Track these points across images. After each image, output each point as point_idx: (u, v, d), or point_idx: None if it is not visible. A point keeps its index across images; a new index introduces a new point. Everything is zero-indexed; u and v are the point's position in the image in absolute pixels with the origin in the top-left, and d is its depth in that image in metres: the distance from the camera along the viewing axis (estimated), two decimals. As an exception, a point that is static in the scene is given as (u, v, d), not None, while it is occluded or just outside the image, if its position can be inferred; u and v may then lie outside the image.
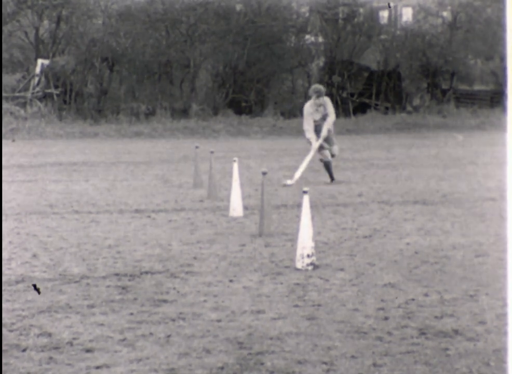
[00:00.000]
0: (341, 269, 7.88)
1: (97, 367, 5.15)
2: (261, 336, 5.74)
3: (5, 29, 32.62)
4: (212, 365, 5.17)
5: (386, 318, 6.18)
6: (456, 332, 5.81)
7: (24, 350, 5.49)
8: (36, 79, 32.32)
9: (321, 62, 36.81)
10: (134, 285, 7.31)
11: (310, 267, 7.85)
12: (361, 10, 36.23)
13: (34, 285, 7.58)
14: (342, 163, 19.17)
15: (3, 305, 6.58)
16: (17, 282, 7.45)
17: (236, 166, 11.46)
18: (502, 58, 33.59)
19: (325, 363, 5.18)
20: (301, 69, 35.98)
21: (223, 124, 31.32)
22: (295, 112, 34.11)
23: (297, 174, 14.64)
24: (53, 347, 5.54)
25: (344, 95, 35.75)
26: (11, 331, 5.92)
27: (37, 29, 33.41)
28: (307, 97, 36.02)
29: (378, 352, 5.38)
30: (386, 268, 7.91)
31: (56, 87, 32.15)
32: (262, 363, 5.18)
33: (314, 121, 15.11)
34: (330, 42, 35.56)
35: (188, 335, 5.79)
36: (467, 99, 36.73)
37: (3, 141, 24.62)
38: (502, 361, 5.14)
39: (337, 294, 6.92)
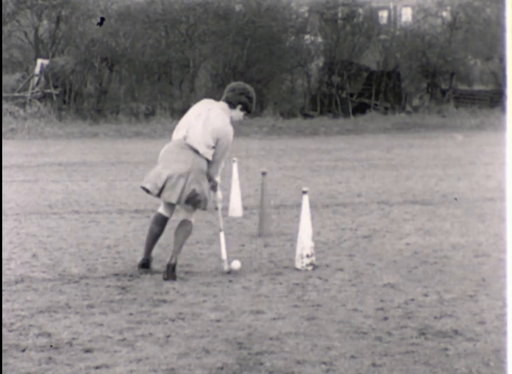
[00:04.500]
0: (341, 270, 7.87)
1: (97, 367, 5.15)
2: (261, 337, 5.74)
3: (5, 29, 32.64)
4: (211, 365, 5.16)
5: (386, 318, 6.17)
6: (455, 332, 5.81)
7: (23, 350, 5.49)
8: (36, 79, 32.33)
9: (320, 62, 36.85)
10: (134, 285, 7.31)
11: (309, 267, 7.85)
12: (360, 10, 36.28)
13: None
14: (342, 163, 19.17)
15: (3, 305, 6.58)
16: (16, 282, 7.45)
17: (235, 166, 11.46)
18: (502, 59, 33.62)
19: (324, 363, 5.18)
20: (301, 69, 36.01)
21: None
22: (295, 112, 34.14)
23: None
24: (52, 347, 5.54)
25: (343, 95, 35.77)
26: (10, 331, 5.92)
27: (36, 29, 33.44)
28: (306, 97, 36.24)
29: (378, 352, 5.38)
30: (385, 268, 7.91)
31: (55, 87, 32.17)
32: (261, 364, 5.18)
33: None
34: (329, 42, 35.59)
35: (188, 335, 5.79)
36: (467, 100, 36.77)
37: (3, 141, 24.62)
38: (501, 361, 5.14)
39: (337, 294, 6.91)
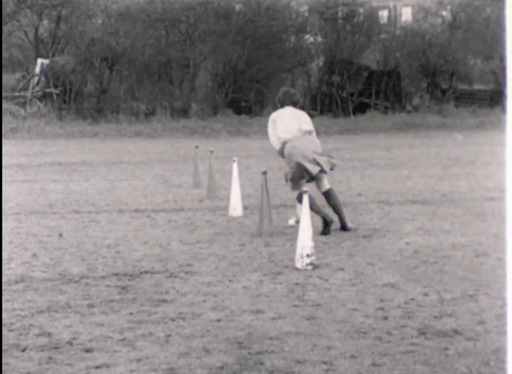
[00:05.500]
0: (341, 269, 7.88)
1: (97, 367, 5.16)
2: (261, 336, 5.74)
3: (5, 29, 32.64)
4: (211, 365, 5.17)
5: (386, 318, 6.18)
6: (455, 332, 5.81)
7: (23, 350, 5.49)
8: (36, 78, 32.32)
9: (320, 61, 36.83)
10: (134, 285, 7.31)
11: (309, 267, 7.86)
12: (361, 10, 36.25)
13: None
14: (342, 163, 19.18)
15: (3, 305, 6.58)
16: (17, 282, 7.46)
17: (235, 166, 11.47)
18: (502, 58, 33.62)
19: (324, 362, 5.19)
20: (301, 69, 35.99)
21: (222, 124, 31.32)
22: (295, 112, 34.12)
23: None
24: (52, 347, 5.54)
25: (344, 94, 35.75)
26: (10, 330, 5.93)
27: (36, 29, 33.43)
28: (306, 97, 36.25)
29: (378, 352, 5.38)
30: (385, 268, 7.91)
31: (56, 87, 32.15)
32: (262, 363, 5.19)
33: None
34: (329, 41, 35.57)
35: (188, 335, 5.79)
36: (467, 99, 36.75)
37: (3, 140, 24.62)
38: (501, 361, 5.14)
39: (337, 294, 6.92)
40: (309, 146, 9.95)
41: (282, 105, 10.33)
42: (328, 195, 10.12)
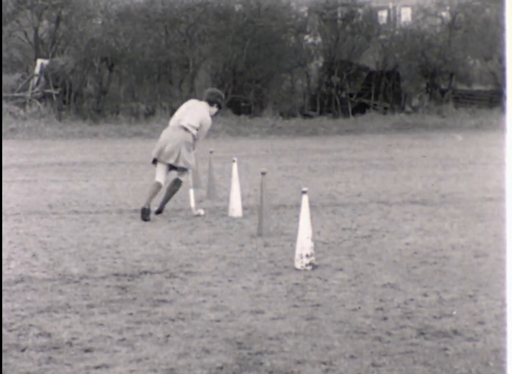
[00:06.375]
0: (340, 269, 7.88)
1: (97, 367, 5.16)
2: (261, 336, 5.75)
3: (5, 29, 32.62)
4: (211, 365, 5.17)
5: (385, 318, 6.18)
6: (455, 332, 5.82)
7: (23, 350, 5.50)
8: (35, 79, 32.32)
9: (320, 62, 36.83)
10: (134, 285, 7.32)
11: (309, 267, 7.86)
12: (360, 10, 36.24)
13: None
14: (342, 163, 19.19)
15: (3, 305, 6.58)
16: (16, 282, 7.46)
17: (235, 166, 11.48)
18: (501, 59, 33.62)
19: (324, 363, 5.19)
20: (301, 69, 35.99)
21: (222, 124, 31.30)
22: (294, 112, 34.15)
23: None
24: (52, 347, 5.55)
25: (343, 95, 35.75)
26: (10, 331, 5.93)
27: (36, 29, 33.41)
28: (306, 97, 36.26)
29: (377, 352, 5.39)
30: (385, 268, 7.92)
31: (55, 87, 32.15)
32: (261, 363, 5.19)
33: None
34: (329, 42, 35.57)
35: (187, 335, 5.80)
36: (466, 100, 36.76)
37: (3, 140, 24.61)
38: (501, 361, 5.15)
39: (336, 294, 6.92)
40: (176, 139, 11.09)
41: (202, 99, 11.44)
42: (172, 183, 11.30)
